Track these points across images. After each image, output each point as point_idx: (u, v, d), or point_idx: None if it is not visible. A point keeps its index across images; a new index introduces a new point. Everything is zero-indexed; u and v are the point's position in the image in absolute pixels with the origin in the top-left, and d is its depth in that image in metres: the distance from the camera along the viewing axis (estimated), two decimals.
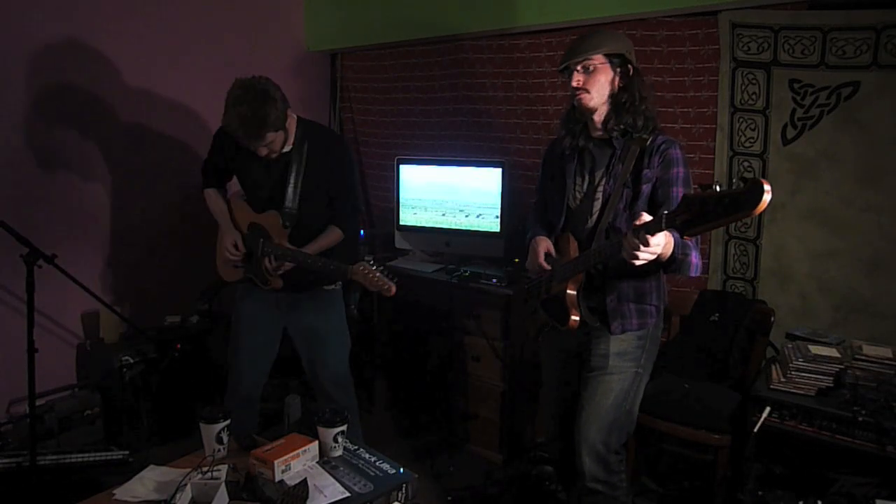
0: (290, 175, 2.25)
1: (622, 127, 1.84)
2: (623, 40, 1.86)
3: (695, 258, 1.71)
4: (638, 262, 1.55)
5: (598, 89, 1.83)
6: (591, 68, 1.82)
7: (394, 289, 2.07)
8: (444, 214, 3.28)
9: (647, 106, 1.84)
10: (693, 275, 1.72)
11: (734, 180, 1.24)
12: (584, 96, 1.84)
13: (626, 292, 1.89)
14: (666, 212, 1.43)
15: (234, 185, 2.47)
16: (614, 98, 1.85)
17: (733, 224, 2.68)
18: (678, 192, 1.77)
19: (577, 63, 1.82)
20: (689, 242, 1.68)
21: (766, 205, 1.22)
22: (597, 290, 1.91)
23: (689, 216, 1.34)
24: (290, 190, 2.26)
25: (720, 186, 1.29)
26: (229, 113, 2.07)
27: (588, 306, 1.91)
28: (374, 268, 2.07)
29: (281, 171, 2.26)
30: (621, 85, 1.84)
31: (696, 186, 1.41)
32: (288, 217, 2.26)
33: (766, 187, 1.20)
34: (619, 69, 1.84)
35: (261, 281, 2.32)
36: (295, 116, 2.28)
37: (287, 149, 2.25)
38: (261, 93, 2.06)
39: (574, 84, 1.84)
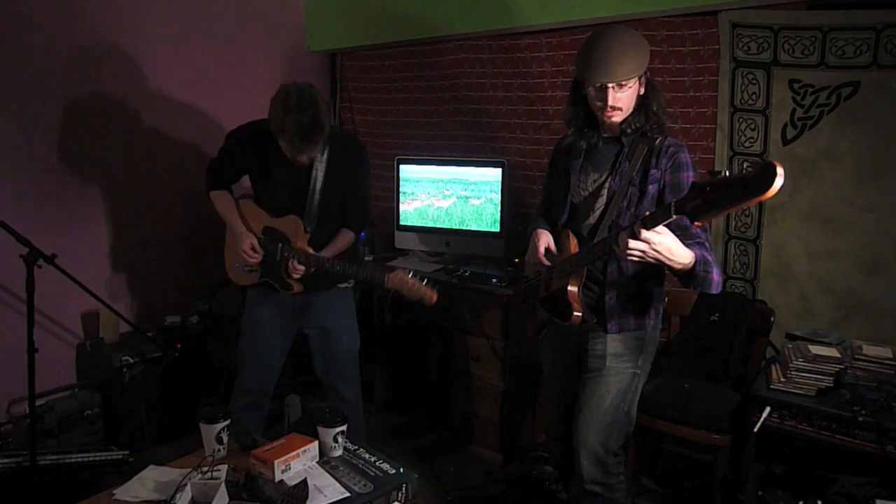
0: (311, 181, 2.26)
1: (635, 127, 1.84)
2: (647, 47, 1.81)
3: (716, 276, 1.67)
4: (631, 254, 1.54)
5: (628, 104, 1.80)
6: (627, 86, 1.77)
7: (434, 297, 2.09)
8: (444, 214, 3.29)
9: (661, 109, 1.83)
10: (714, 292, 1.69)
11: (745, 165, 1.22)
12: (617, 114, 1.80)
13: (625, 292, 1.89)
14: (674, 199, 1.43)
15: (237, 187, 2.47)
16: (636, 105, 1.83)
17: (733, 224, 2.69)
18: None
19: (616, 83, 1.75)
20: (711, 259, 1.67)
21: (778, 188, 1.19)
22: (596, 288, 1.91)
23: (699, 202, 1.34)
24: (312, 195, 2.27)
25: (729, 172, 1.29)
26: (286, 119, 2.02)
27: (587, 304, 1.90)
28: (411, 276, 2.07)
29: (303, 177, 2.26)
30: (641, 93, 1.82)
31: (703, 171, 1.40)
32: (308, 222, 2.27)
33: (780, 170, 1.18)
34: (642, 78, 1.82)
35: (281, 286, 2.31)
36: None
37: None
38: (317, 100, 2.05)
39: (611, 103, 1.76)
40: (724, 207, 1.31)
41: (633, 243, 1.52)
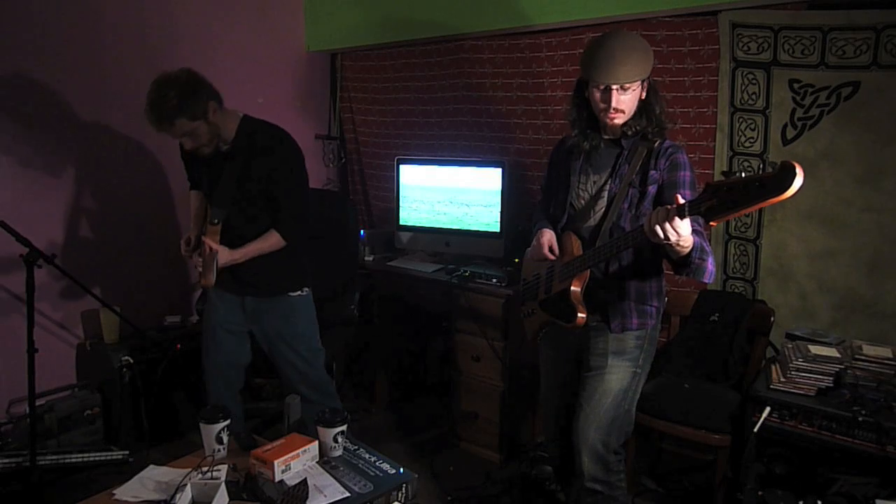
0: (223, 173, 2.19)
1: (636, 129, 1.84)
2: (651, 52, 1.80)
3: (710, 265, 1.69)
4: (656, 238, 1.52)
5: (630, 107, 1.81)
6: (630, 89, 1.77)
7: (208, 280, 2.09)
8: (444, 214, 3.28)
9: (663, 113, 1.83)
10: (707, 281, 1.71)
11: (763, 165, 1.23)
12: (619, 116, 1.80)
13: (627, 291, 1.90)
14: (689, 199, 1.43)
15: None
16: (637, 108, 1.83)
17: (733, 224, 2.68)
18: (686, 194, 1.76)
19: (621, 84, 1.75)
20: (707, 248, 1.68)
21: (796, 189, 1.20)
22: (598, 289, 1.92)
23: (714, 202, 1.34)
24: (220, 188, 2.20)
25: (744, 173, 1.29)
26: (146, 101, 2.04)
27: (590, 304, 1.91)
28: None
29: (218, 170, 2.21)
30: (643, 97, 1.83)
31: (700, 172, 1.39)
32: (217, 214, 2.18)
33: (799, 170, 1.19)
34: (644, 83, 1.82)
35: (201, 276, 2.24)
36: (239, 115, 2.23)
37: (225, 147, 2.21)
38: (173, 79, 2.04)
39: (614, 105, 1.76)
40: (741, 207, 1.31)
41: (663, 228, 1.49)
